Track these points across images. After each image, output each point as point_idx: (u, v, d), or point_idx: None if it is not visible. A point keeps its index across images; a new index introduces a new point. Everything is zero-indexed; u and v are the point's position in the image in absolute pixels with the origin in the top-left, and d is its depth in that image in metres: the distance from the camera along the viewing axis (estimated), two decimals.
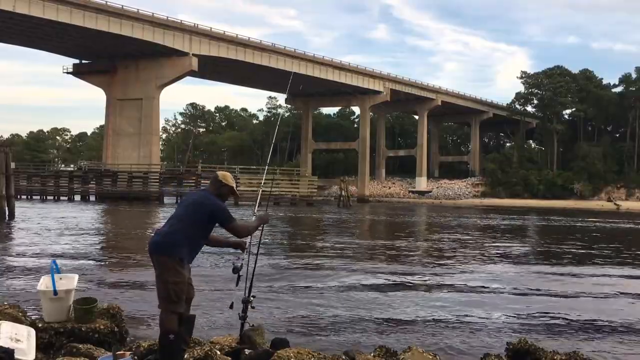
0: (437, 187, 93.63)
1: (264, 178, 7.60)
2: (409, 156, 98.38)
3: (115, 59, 66.30)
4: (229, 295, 5.62)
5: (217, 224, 5.02)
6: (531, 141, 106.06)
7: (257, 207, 5.79)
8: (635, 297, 11.67)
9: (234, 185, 5.23)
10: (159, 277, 4.85)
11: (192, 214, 5.00)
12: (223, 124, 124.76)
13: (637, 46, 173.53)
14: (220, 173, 5.27)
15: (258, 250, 5.83)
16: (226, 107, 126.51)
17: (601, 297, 11.64)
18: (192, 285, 5.29)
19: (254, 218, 5.36)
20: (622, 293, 12.18)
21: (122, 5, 58.93)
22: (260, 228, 5.37)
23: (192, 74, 68.19)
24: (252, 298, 5.53)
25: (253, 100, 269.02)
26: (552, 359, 5.65)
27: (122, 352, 5.28)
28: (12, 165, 31.97)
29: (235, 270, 5.32)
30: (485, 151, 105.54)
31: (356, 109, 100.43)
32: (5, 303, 6.61)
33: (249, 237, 5.36)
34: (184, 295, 4.89)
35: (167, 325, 4.86)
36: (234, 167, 66.92)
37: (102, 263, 15.37)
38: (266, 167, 8.75)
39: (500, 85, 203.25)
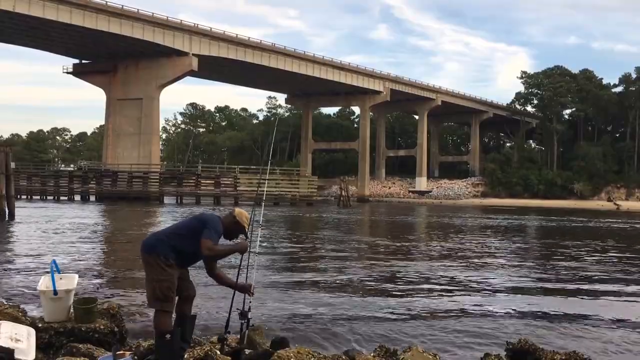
0: (437, 187, 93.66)
1: (261, 178, 7.49)
2: (409, 156, 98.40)
3: (115, 59, 66.29)
4: (229, 295, 5.58)
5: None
6: (531, 141, 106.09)
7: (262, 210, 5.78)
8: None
9: (246, 227, 5.19)
10: (146, 275, 4.96)
11: (188, 222, 5.16)
12: (223, 124, 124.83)
13: (637, 46, 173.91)
14: (237, 210, 5.26)
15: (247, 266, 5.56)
16: (226, 107, 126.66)
17: (607, 299, 11.62)
18: (192, 284, 5.31)
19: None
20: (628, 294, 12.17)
21: (122, 5, 58.96)
22: (240, 255, 5.26)
23: (192, 74, 68.20)
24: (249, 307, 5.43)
25: (253, 100, 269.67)
26: (552, 359, 5.65)
27: (122, 352, 5.28)
28: (12, 165, 31.91)
29: (243, 315, 5.34)
30: (485, 151, 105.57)
31: (356, 109, 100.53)
32: (5, 303, 6.61)
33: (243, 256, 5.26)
34: (171, 294, 4.91)
35: (161, 325, 4.88)
36: (234, 167, 66.85)
37: (102, 263, 15.37)
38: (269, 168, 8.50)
39: (501, 85, 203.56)
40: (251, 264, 5.47)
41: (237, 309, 5.38)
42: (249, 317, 5.38)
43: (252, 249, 5.42)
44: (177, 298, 5.06)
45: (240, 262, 5.36)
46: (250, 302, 5.37)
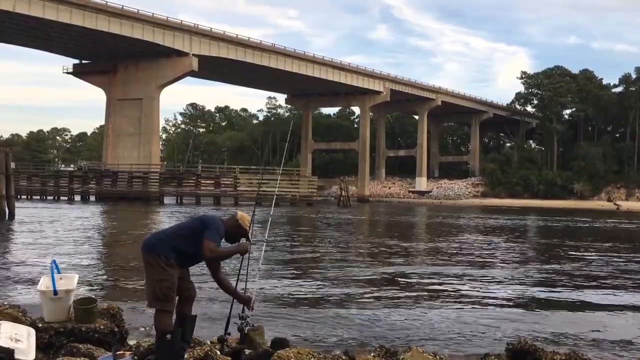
0: (437, 187, 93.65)
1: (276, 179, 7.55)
2: (409, 156, 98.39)
3: (115, 59, 66.30)
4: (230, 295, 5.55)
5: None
6: (531, 141, 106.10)
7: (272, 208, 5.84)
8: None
9: (248, 229, 5.19)
10: (146, 275, 4.95)
11: (190, 222, 5.17)
12: (223, 124, 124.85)
13: (637, 46, 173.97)
14: (240, 213, 5.25)
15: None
16: (226, 107, 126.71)
17: (609, 300, 11.60)
18: (193, 285, 5.30)
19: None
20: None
21: (122, 5, 58.99)
22: (240, 256, 5.24)
23: (192, 74, 68.19)
24: (249, 314, 5.38)
25: (253, 100, 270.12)
26: (552, 359, 5.64)
27: (122, 352, 5.28)
28: (12, 165, 31.93)
29: (240, 331, 5.33)
30: (485, 151, 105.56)
31: (356, 109, 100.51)
32: (5, 303, 6.61)
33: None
34: (172, 294, 4.90)
35: (162, 325, 4.87)
36: (234, 167, 66.86)
37: (102, 263, 15.37)
38: (281, 169, 8.59)
39: (501, 85, 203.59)
40: (253, 277, 5.44)
41: (238, 313, 5.37)
42: (248, 319, 5.35)
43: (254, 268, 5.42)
44: (177, 298, 5.05)
45: (241, 263, 5.36)
46: (249, 316, 5.32)
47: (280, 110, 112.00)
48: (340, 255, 17.99)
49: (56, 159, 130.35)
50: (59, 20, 54.76)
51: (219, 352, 5.40)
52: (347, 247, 20.52)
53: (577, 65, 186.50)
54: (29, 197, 59.92)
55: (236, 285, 5.40)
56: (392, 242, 22.80)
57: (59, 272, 5.99)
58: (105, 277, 12.67)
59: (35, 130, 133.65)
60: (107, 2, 57.80)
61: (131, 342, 5.95)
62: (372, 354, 5.81)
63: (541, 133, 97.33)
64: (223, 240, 5.11)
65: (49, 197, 60.21)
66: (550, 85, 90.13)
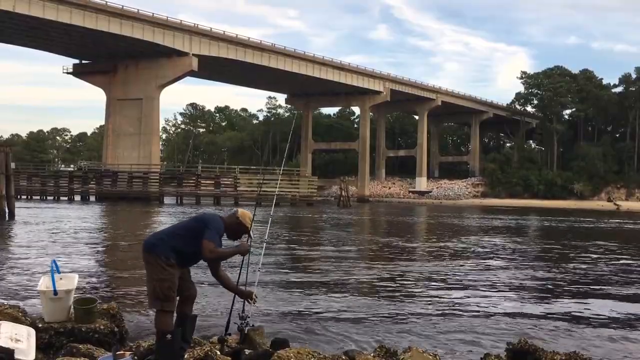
0: (437, 187, 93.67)
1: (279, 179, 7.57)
2: (409, 156, 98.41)
3: (115, 59, 66.33)
4: (231, 295, 5.55)
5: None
6: (531, 141, 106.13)
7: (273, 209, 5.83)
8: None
9: (249, 227, 5.19)
10: (147, 275, 4.94)
11: (188, 222, 5.16)
12: (223, 124, 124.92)
13: (637, 46, 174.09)
14: (241, 210, 5.25)
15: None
16: (226, 107, 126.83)
17: (611, 300, 11.58)
18: (194, 285, 5.30)
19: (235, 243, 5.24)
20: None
21: (122, 5, 59.04)
22: (241, 257, 5.23)
23: (192, 74, 68.22)
24: (247, 316, 5.37)
25: (253, 100, 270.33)
26: (552, 359, 5.64)
27: (122, 352, 5.28)
28: (12, 165, 31.94)
29: (243, 318, 5.32)
30: (485, 151, 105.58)
31: (356, 109, 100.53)
32: (5, 303, 6.61)
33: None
34: (172, 294, 4.89)
35: (162, 325, 4.87)
36: (234, 167, 66.86)
37: (102, 263, 15.37)
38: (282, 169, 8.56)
39: (501, 85, 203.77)
40: (253, 278, 5.43)
41: (238, 314, 5.36)
42: (248, 320, 5.35)
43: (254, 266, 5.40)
44: (177, 298, 5.05)
45: (242, 264, 5.35)
46: (249, 316, 5.30)
47: (280, 110, 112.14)
48: (341, 255, 17.97)
49: (56, 159, 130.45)
50: (59, 20, 54.78)
51: (219, 352, 5.39)
52: (348, 248, 20.50)
53: (577, 65, 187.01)
54: (29, 197, 59.92)
55: (237, 283, 5.40)
56: (393, 243, 22.78)
57: (59, 272, 5.99)
58: (105, 276, 12.66)
59: (35, 130, 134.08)
60: (107, 2, 57.82)
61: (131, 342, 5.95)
62: (372, 354, 5.80)
63: (541, 133, 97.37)
64: (224, 237, 5.11)
65: (49, 197, 60.21)
66: (550, 85, 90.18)
